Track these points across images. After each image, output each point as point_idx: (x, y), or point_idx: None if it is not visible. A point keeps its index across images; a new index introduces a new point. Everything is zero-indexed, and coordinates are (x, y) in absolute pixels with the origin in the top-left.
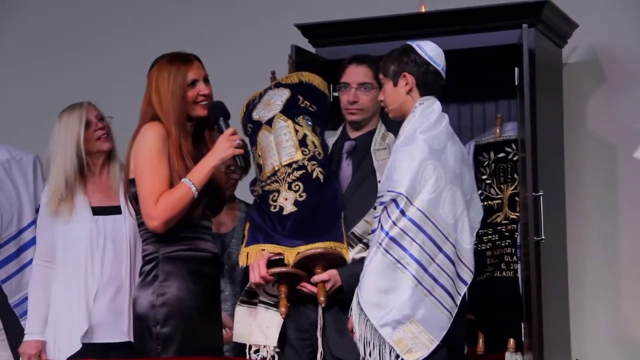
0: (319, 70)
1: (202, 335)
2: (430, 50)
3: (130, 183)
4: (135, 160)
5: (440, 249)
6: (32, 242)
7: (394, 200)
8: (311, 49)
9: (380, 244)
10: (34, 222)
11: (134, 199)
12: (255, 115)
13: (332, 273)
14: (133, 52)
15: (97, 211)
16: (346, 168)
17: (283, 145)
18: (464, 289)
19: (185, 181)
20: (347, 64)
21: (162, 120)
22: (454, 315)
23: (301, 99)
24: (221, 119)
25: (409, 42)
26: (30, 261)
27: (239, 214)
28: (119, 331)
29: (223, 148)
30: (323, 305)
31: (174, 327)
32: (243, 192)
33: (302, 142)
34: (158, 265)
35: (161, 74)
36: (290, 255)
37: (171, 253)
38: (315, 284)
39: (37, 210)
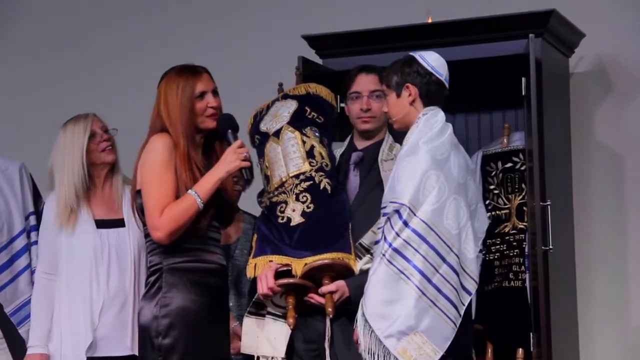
0: (325, 81)
1: (207, 347)
2: (432, 61)
3: (137, 194)
4: (142, 172)
5: (443, 259)
6: (24, 250)
7: (397, 211)
8: (318, 60)
9: (384, 255)
10: (24, 231)
11: (140, 211)
12: (263, 127)
13: (340, 284)
14: (137, 60)
15: (101, 224)
16: (353, 179)
17: (290, 156)
18: (468, 299)
19: (190, 193)
20: (356, 73)
21: (170, 132)
22: (458, 326)
23: (308, 110)
24: (229, 131)
25: (411, 53)
26: (24, 269)
27: (242, 225)
28: (123, 345)
29: (230, 160)
30: (331, 316)
31: (176, 339)
32: (247, 203)
33: (310, 154)
34: (162, 277)
35: (170, 86)
36: (298, 266)
37: (175, 264)
38: (323, 295)
39: (26, 218)
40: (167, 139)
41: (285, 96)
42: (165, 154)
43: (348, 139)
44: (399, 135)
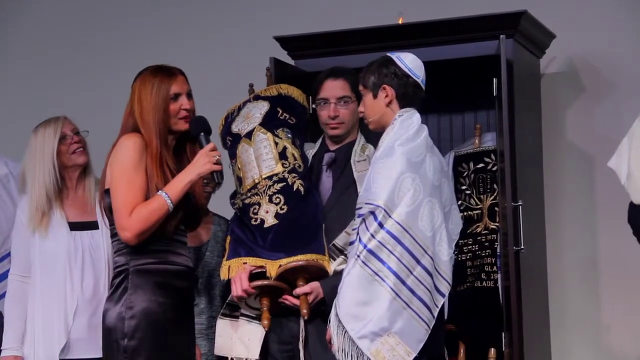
0: (297, 82)
1: (172, 349)
2: (409, 62)
3: (106, 193)
4: (111, 171)
5: (418, 261)
6: None
7: (372, 213)
8: (290, 61)
9: (359, 256)
10: None
11: (108, 210)
12: (235, 128)
13: (314, 285)
14: (110, 61)
15: (74, 226)
16: (326, 180)
17: (263, 158)
18: (441, 301)
19: (160, 194)
20: (323, 79)
21: (141, 132)
22: (431, 327)
23: (280, 111)
24: (202, 134)
25: (388, 54)
26: None
27: (212, 227)
28: (97, 347)
29: (201, 163)
30: (306, 317)
31: (142, 341)
32: (217, 205)
33: (282, 155)
34: (128, 278)
35: (144, 86)
36: (272, 268)
37: (142, 266)
38: (297, 297)
39: None
40: (138, 138)
41: (257, 97)
42: (135, 154)
43: (320, 140)
44: (372, 136)
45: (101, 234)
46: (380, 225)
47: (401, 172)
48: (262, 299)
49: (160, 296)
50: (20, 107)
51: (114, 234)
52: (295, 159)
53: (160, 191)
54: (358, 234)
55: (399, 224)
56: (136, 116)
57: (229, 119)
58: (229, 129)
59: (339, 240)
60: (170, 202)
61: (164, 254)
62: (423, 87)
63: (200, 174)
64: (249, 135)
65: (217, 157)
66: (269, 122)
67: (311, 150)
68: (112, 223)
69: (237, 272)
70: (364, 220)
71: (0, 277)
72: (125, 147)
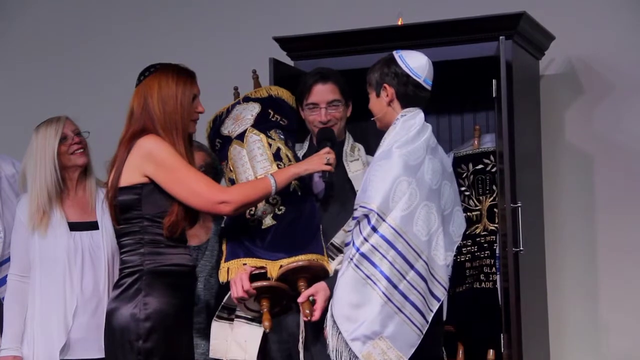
0: (297, 83)
1: (180, 349)
2: (412, 62)
3: (120, 191)
4: (160, 167)
5: (411, 266)
6: None
7: (366, 216)
8: (289, 61)
9: (351, 259)
10: None
11: (119, 209)
12: (224, 131)
13: (321, 286)
14: (111, 66)
15: (74, 227)
16: (318, 180)
17: (257, 159)
18: (436, 306)
19: (268, 176)
20: (312, 83)
21: (158, 131)
22: (424, 332)
23: (272, 113)
24: (324, 142)
25: (394, 52)
26: None
27: (212, 226)
28: (97, 347)
29: (313, 161)
30: (313, 319)
31: (156, 342)
32: None
33: (277, 156)
34: (142, 278)
35: (168, 84)
36: (273, 268)
37: (156, 267)
38: (305, 303)
39: None
40: (162, 140)
41: (247, 99)
42: (170, 148)
43: (307, 141)
44: (359, 136)
45: (101, 235)
46: (374, 229)
47: (397, 176)
48: (261, 300)
49: (172, 297)
50: (22, 107)
51: (122, 234)
52: (289, 160)
53: (267, 175)
54: (352, 236)
55: (392, 228)
56: (156, 113)
57: (217, 121)
58: (218, 131)
59: (337, 239)
60: (275, 185)
61: (174, 254)
62: (426, 87)
63: (308, 170)
64: (241, 137)
65: (329, 159)
66: (261, 124)
67: (300, 151)
68: (119, 222)
69: (237, 273)
70: (358, 223)
71: (6, 279)
72: (159, 144)
